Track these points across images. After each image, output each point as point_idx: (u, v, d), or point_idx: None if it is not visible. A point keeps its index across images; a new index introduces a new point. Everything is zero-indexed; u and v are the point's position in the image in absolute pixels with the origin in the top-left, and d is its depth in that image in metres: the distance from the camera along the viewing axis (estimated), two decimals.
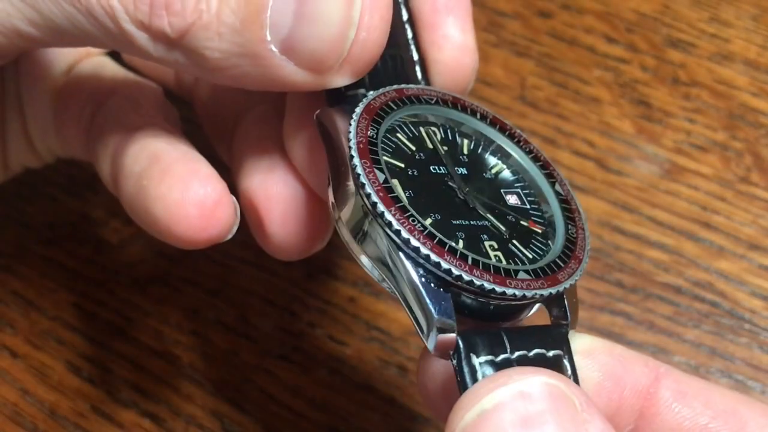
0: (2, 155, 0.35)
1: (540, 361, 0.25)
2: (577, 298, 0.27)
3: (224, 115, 0.33)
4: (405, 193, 0.26)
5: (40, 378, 0.36)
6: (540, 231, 0.27)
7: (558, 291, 0.25)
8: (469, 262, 0.24)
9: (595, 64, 0.41)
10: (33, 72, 0.34)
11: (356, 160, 0.25)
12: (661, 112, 0.40)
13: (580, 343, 0.26)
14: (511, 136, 0.28)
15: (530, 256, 0.26)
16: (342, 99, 0.28)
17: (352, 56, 0.26)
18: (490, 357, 0.24)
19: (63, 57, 0.34)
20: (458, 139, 0.28)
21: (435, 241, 0.24)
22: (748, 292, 0.36)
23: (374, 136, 0.26)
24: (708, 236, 0.37)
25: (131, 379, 0.36)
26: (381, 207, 0.24)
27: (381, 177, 0.25)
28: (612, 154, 0.39)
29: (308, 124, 0.28)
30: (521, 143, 0.28)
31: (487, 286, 0.24)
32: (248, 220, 0.30)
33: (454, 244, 0.24)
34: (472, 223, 0.26)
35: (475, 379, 0.24)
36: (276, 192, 0.29)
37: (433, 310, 0.24)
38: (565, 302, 0.26)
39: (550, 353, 0.25)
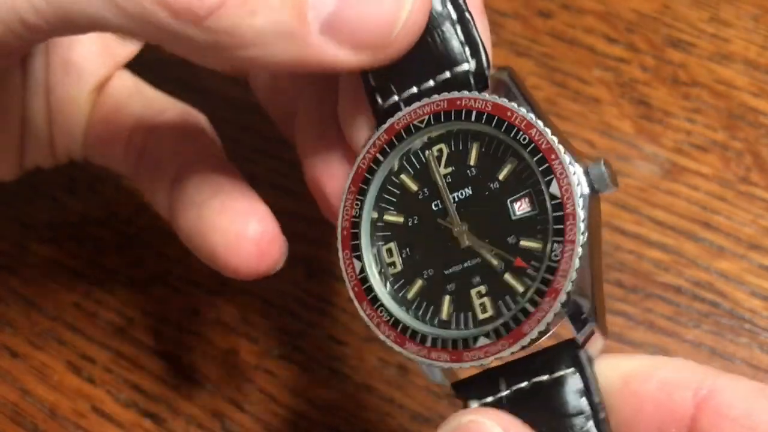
0: (20, 153, 0.35)
1: (537, 390, 0.25)
2: (593, 302, 0.25)
3: (283, 96, 0.33)
4: (402, 254, 0.27)
5: (40, 378, 0.36)
6: (539, 247, 0.26)
7: (523, 346, 0.25)
8: (428, 343, 0.26)
9: (595, 64, 0.41)
10: (64, 81, 0.34)
11: (339, 253, 0.27)
12: (661, 112, 0.40)
13: (611, 368, 0.26)
14: (509, 128, 0.26)
15: (521, 290, 0.26)
16: (380, 114, 0.28)
17: (399, 36, 0.26)
18: (482, 400, 0.26)
19: (94, 68, 0.35)
20: (468, 146, 0.27)
21: (398, 329, 0.26)
22: (748, 292, 0.36)
23: (357, 215, 0.27)
24: (708, 236, 0.37)
25: (131, 379, 0.36)
26: (356, 302, 0.27)
27: (358, 266, 0.27)
28: (612, 154, 0.39)
29: (363, 105, 0.28)
30: (519, 134, 0.26)
31: (445, 365, 0.25)
32: (317, 201, 0.31)
33: (418, 325, 0.26)
34: (465, 265, 0.26)
35: None
36: (338, 174, 0.30)
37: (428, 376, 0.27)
38: (571, 317, 0.25)
39: (552, 376, 0.25)
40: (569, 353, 0.25)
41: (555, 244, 0.25)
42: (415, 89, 0.27)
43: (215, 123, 0.38)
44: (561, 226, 0.25)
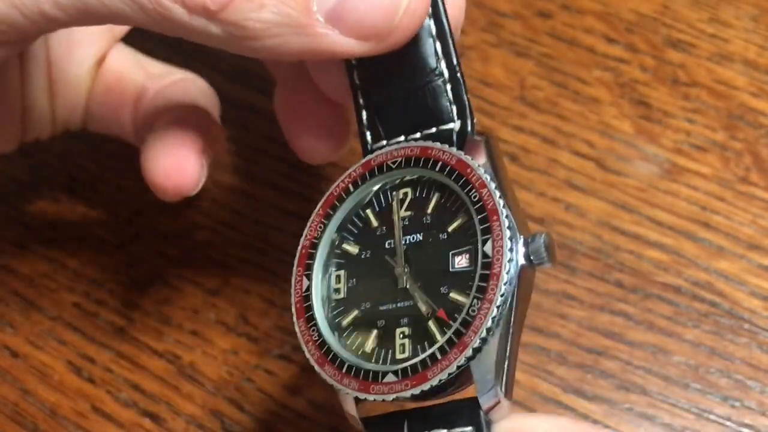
0: (21, 127, 0.36)
1: None
2: (503, 368, 0.26)
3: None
4: (348, 283, 0.29)
5: (40, 378, 0.36)
6: (465, 302, 0.27)
7: (423, 390, 0.26)
8: (344, 369, 0.27)
9: (595, 65, 0.41)
10: (66, 57, 0.36)
11: (293, 268, 0.29)
12: (660, 113, 0.40)
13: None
14: (465, 184, 0.27)
15: (439, 339, 0.26)
16: (366, 152, 0.30)
17: (401, 23, 0.27)
18: None
19: (94, 43, 0.36)
20: (431, 195, 0.28)
21: (322, 350, 0.28)
22: (748, 292, 0.36)
23: (318, 237, 0.29)
24: (707, 236, 0.37)
25: (131, 379, 0.36)
26: (294, 317, 0.28)
27: (305, 285, 0.29)
28: (612, 154, 0.39)
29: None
30: (472, 191, 0.27)
31: (352, 393, 0.27)
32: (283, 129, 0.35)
33: (341, 352, 0.28)
34: (398, 305, 0.28)
35: None
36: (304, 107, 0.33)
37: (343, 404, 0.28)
38: (473, 377, 0.26)
39: (451, 430, 0.26)
40: (470, 411, 0.26)
41: (475, 300, 0.26)
42: (402, 138, 0.29)
43: None
44: (485, 284, 0.26)
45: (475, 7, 0.43)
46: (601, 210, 0.38)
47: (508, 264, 0.26)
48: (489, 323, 0.26)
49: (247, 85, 0.42)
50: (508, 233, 0.26)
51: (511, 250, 0.26)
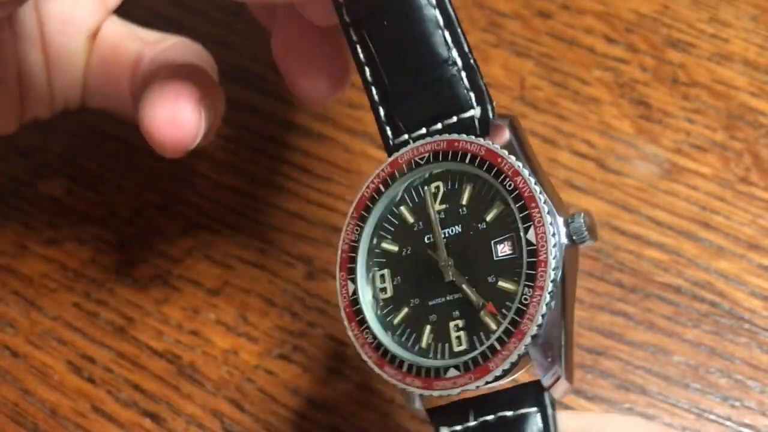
0: (19, 106, 0.36)
1: (501, 424, 0.27)
2: (561, 348, 0.26)
3: None
4: (393, 281, 0.29)
5: (40, 378, 0.36)
6: (514, 289, 0.27)
7: (487, 381, 0.26)
8: (404, 368, 0.27)
9: (595, 65, 0.41)
10: (60, 32, 0.35)
11: (336, 274, 0.29)
12: (660, 112, 0.40)
13: (571, 419, 0.27)
14: (498, 174, 0.27)
15: (494, 328, 0.27)
16: (389, 148, 0.29)
17: None
18: (451, 428, 0.27)
19: (88, 16, 0.36)
20: (463, 186, 0.28)
21: (379, 352, 0.28)
22: (748, 291, 0.36)
23: (356, 240, 0.29)
24: (707, 236, 0.37)
25: (131, 379, 0.36)
26: (345, 323, 0.28)
27: (351, 288, 0.29)
28: (611, 154, 0.39)
29: None
30: (506, 180, 0.27)
31: (417, 392, 0.27)
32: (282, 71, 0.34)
33: (398, 351, 0.28)
34: (447, 299, 0.28)
35: None
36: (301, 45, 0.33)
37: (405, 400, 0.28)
38: (533, 360, 0.26)
39: (516, 413, 0.27)
40: (533, 393, 0.27)
41: (526, 288, 0.26)
42: (424, 130, 0.29)
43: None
44: (533, 272, 0.26)
45: (475, 7, 0.43)
46: (601, 210, 0.38)
47: (553, 249, 0.26)
48: (543, 310, 0.26)
49: (247, 85, 0.42)
50: (548, 219, 0.26)
51: (554, 235, 0.26)
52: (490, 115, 0.28)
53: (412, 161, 0.28)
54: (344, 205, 0.39)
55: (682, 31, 0.42)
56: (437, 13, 0.29)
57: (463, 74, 0.29)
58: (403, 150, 0.29)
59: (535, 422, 0.26)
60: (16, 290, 0.38)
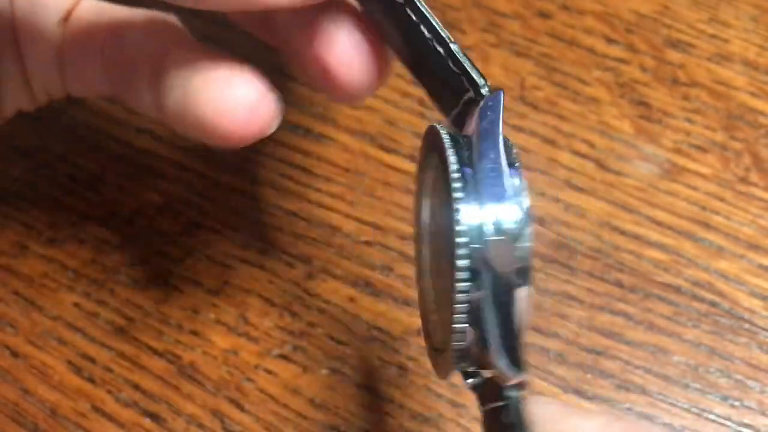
0: None
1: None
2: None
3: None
4: None
5: (40, 378, 0.36)
6: None
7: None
8: None
9: (595, 65, 0.42)
10: (31, 19, 0.33)
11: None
12: (660, 113, 0.40)
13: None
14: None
15: None
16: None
17: None
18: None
19: (59, 2, 0.33)
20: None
21: None
22: (747, 291, 0.36)
23: None
24: (707, 236, 0.37)
25: (132, 379, 0.36)
26: None
27: None
28: (611, 155, 0.39)
29: None
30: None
31: None
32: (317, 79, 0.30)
33: None
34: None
35: None
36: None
37: None
38: None
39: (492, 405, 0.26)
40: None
41: None
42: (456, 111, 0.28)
43: None
44: None
45: (474, 8, 0.43)
46: (601, 210, 0.38)
47: None
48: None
49: None
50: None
51: None
52: (473, 96, 0.27)
53: (421, 151, 0.28)
54: (344, 205, 0.39)
55: (682, 31, 0.42)
56: (410, 11, 0.28)
57: (450, 62, 0.28)
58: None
59: (507, 414, 0.26)
60: (16, 290, 0.38)
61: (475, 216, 0.24)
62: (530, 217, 0.25)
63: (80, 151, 0.41)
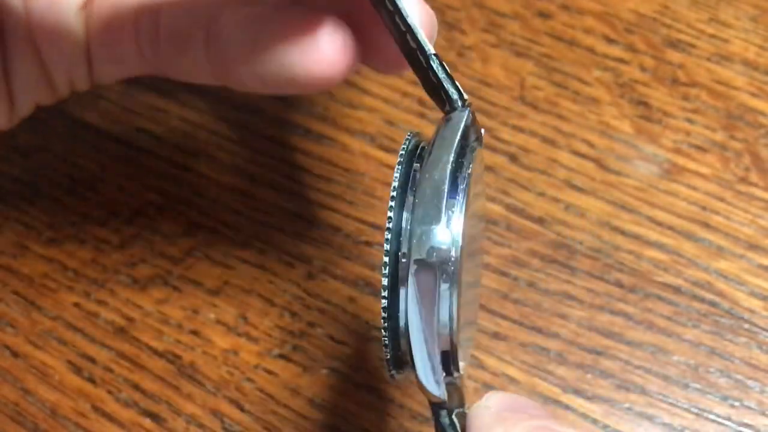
0: (8, 97, 0.34)
1: None
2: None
3: None
4: None
5: (41, 378, 0.36)
6: None
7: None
8: None
9: (595, 65, 0.42)
10: (49, 10, 0.33)
11: None
12: (660, 113, 0.40)
13: None
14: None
15: None
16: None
17: None
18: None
19: None
20: None
21: None
22: (747, 291, 0.36)
23: None
24: (707, 236, 0.38)
25: (132, 379, 0.36)
26: None
27: None
28: (611, 154, 0.39)
29: None
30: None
31: None
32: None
33: None
34: None
35: None
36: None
37: None
38: None
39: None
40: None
41: None
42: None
43: (215, 123, 0.38)
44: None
45: (474, 8, 0.43)
46: (601, 210, 0.38)
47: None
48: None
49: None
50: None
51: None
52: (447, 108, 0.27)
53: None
54: (344, 205, 0.39)
55: (681, 31, 0.42)
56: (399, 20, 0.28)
57: (430, 74, 0.28)
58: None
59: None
60: (17, 290, 0.38)
61: (402, 232, 0.25)
62: (457, 240, 0.25)
63: (80, 151, 0.41)
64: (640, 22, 0.42)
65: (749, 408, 0.34)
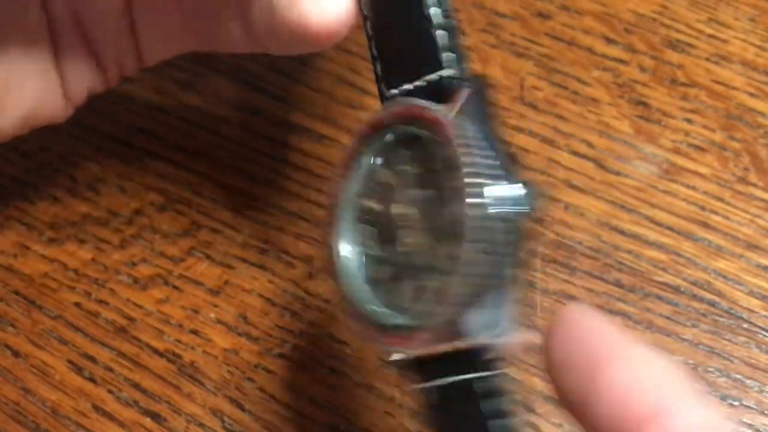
0: (61, 85, 0.34)
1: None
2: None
3: None
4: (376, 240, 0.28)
5: (41, 377, 0.36)
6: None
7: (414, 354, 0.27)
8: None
9: (594, 65, 0.42)
10: None
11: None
12: (659, 113, 0.40)
13: None
14: (439, 140, 0.27)
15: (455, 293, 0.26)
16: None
17: None
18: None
19: None
20: (435, 153, 0.27)
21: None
22: (746, 291, 0.36)
23: (341, 196, 0.28)
24: (706, 236, 0.38)
25: (132, 379, 0.36)
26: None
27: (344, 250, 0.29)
28: (611, 155, 0.39)
29: None
30: (444, 147, 0.27)
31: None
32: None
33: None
34: (417, 261, 0.27)
35: None
36: None
37: None
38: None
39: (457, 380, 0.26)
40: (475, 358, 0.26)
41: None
42: (409, 86, 0.28)
43: (215, 123, 0.38)
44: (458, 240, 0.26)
45: (474, 8, 0.43)
46: (601, 210, 0.38)
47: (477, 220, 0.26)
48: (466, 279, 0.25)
49: (247, 85, 0.42)
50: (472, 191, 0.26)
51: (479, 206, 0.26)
52: (460, 76, 0.28)
53: (384, 122, 0.28)
54: None
55: (680, 31, 0.42)
56: None
57: (441, 33, 0.28)
58: (377, 111, 0.28)
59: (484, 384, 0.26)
60: (17, 290, 0.38)
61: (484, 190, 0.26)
62: (533, 191, 0.26)
63: (80, 151, 0.41)
64: (639, 22, 0.42)
65: (748, 407, 0.34)
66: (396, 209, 0.28)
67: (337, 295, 0.28)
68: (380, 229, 0.28)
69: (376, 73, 0.29)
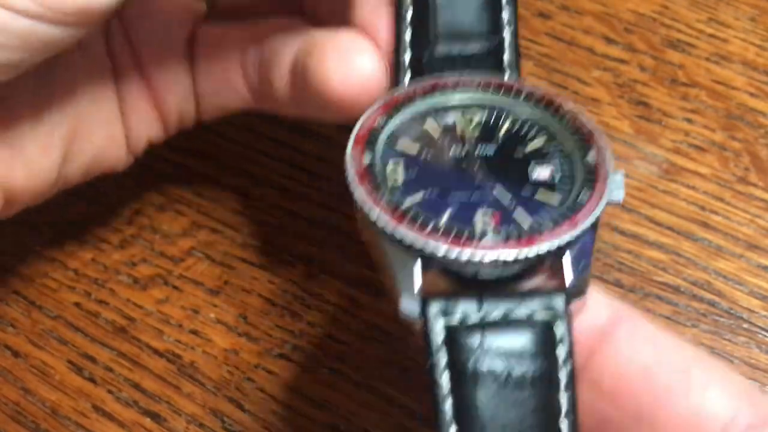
0: (125, 133, 0.35)
1: (507, 322, 0.25)
2: (586, 261, 0.26)
3: None
4: (405, 174, 0.27)
5: (41, 377, 0.36)
6: (555, 201, 0.27)
7: (527, 256, 0.25)
8: (428, 229, 0.25)
9: (594, 65, 0.42)
10: (152, 37, 0.33)
11: (348, 149, 0.27)
12: (659, 113, 0.40)
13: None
14: (556, 111, 0.28)
15: (526, 226, 0.26)
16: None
17: None
18: (450, 319, 0.25)
19: (182, 16, 0.34)
20: (501, 122, 0.29)
21: (397, 211, 0.26)
22: (746, 291, 0.36)
23: (380, 126, 0.28)
24: (706, 236, 0.38)
25: (132, 379, 0.36)
26: (356, 184, 0.27)
27: (368, 157, 0.27)
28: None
29: None
30: (565, 117, 0.28)
31: (445, 249, 0.25)
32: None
33: (416, 216, 0.25)
34: (473, 196, 0.27)
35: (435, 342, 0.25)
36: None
37: (397, 277, 0.25)
38: (562, 263, 0.26)
39: (517, 313, 0.25)
40: (552, 298, 0.25)
41: (584, 190, 0.26)
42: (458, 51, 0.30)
43: (215, 124, 0.38)
44: (592, 181, 0.27)
45: None
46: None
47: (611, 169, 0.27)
48: (598, 212, 0.26)
49: None
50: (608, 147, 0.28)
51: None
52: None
53: (459, 82, 0.29)
54: (344, 205, 0.39)
55: (681, 31, 0.42)
56: None
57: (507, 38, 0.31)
58: (450, 75, 0.29)
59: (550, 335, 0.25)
60: (17, 290, 0.38)
61: None
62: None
63: None
64: (639, 22, 0.42)
65: None
66: (438, 156, 0.28)
67: (377, 201, 0.27)
68: (409, 167, 0.28)
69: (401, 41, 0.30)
